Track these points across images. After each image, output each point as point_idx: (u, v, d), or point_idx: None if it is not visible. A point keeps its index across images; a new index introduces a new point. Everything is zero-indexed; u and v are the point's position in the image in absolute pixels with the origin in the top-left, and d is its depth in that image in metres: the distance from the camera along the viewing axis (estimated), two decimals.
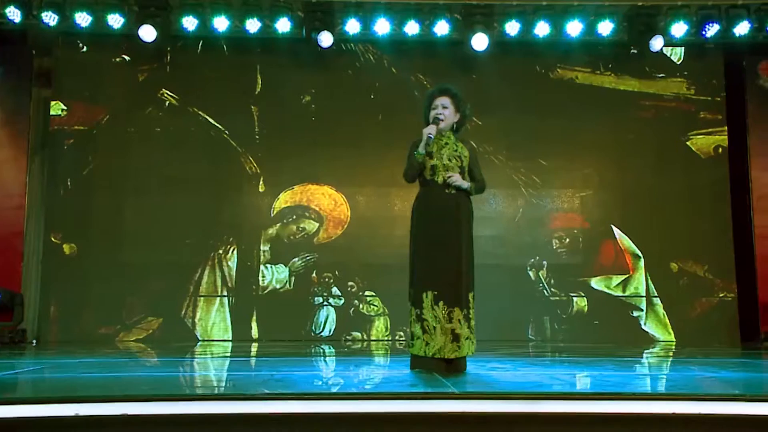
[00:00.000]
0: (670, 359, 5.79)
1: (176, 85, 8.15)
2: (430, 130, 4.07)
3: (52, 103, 8.02)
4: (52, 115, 8.00)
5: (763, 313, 7.87)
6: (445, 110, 4.20)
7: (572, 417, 2.79)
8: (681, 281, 8.08)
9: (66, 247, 7.82)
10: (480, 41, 7.75)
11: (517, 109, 8.27)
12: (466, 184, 4.15)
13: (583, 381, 3.86)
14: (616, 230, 8.15)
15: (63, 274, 7.77)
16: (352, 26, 7.75)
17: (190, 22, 7.65)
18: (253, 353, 6.18)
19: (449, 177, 4.09)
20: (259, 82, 8.23)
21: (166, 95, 8.16)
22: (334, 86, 8.26)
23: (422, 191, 4.22)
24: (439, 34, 7.82)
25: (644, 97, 8.34)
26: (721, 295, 8.06)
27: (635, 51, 8.05)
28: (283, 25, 7.68)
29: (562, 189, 8.20)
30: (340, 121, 8.15)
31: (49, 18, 7.48)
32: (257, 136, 8.13)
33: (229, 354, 6.03)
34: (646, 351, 6.40)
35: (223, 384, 3.85)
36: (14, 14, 7.43)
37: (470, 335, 4.08)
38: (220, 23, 7.66)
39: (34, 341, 7.63)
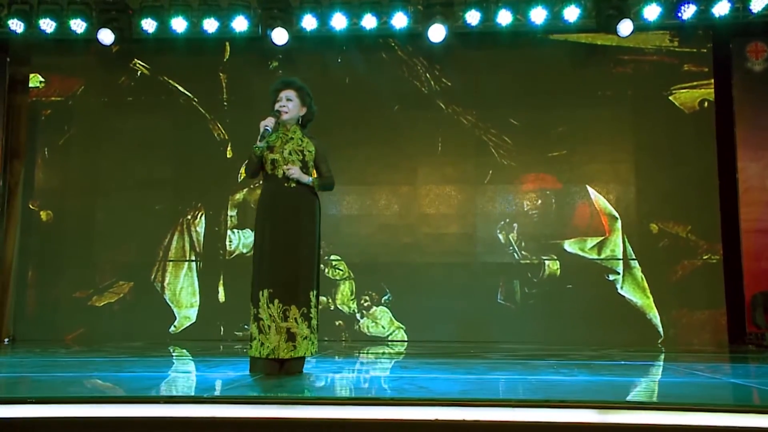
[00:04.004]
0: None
1: (148, 56, 8.28)
2: (267, 122, 3.96)
3: (31, 75, 8.29)
4: (31, 87, 8.27)
5: (750, 314, 7.39)
6: (289, 103, 4.12)
7: (324, 422, 2.73)
8: (661, 243, 7.69)
9: (43, 214, 8.09)
10: (437, 32, 7.56)
11: (486, 67, 8.04)
12: (306, 178, 4.06)
13: (393, 385, 3.66)
14: (591, 190, 7.81)
15: (40, 240, 8.04)
16: (309, 22, 7.68)
17: (149, 24, 7.74)
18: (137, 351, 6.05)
19: (288, 170, 4.00)
20: (228, 50, 8.26)
21: (138, 65, 8.30)
22: (302, 51, 8.18)
23: (264, 186, 4.14)
24: (397, 27, 7.68)
25: (623, 52, 7.93)
26: (705, 257, 7.62)
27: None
28: (241, 23, 7.69)
29: (534, 149, 7.89)
30: (309, 77, 8.07)
31: (16, 26, 7.67)
32: (225, 103, 8.18)
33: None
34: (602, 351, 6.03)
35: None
36: None
37: (310, 335, 3.94)
38: (179, 24, 7.73)
39: (6, 340, 7.79)
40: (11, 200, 8.18)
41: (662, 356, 5.85)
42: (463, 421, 2.68)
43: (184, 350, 6.27)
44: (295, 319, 3.88)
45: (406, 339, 7.69)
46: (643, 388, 3.57)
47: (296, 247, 3.97)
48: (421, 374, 4.15)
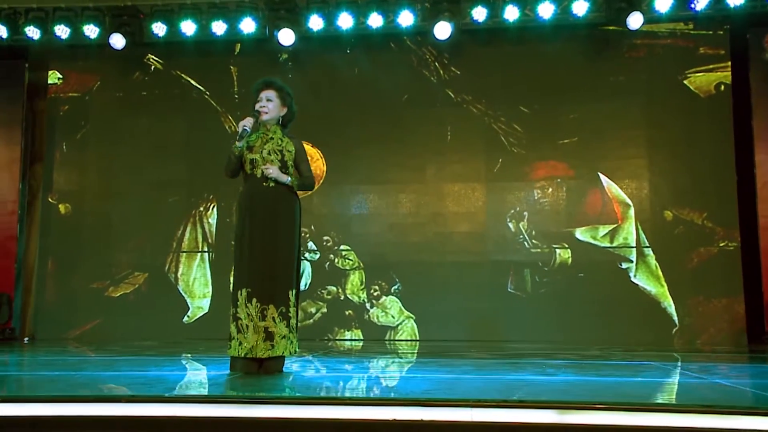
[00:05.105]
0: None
1: (161, 50, 8.40)
2: (246, 123, 3.97)
3: (50, 72, 8.51)
4: (50, 84, 8.49)
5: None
6: (269, 103, 4.11)
7: (275, 422, 2.74)
8: (676, 230, 7.52)
9: (61, 207, 8.30)
10: (443, 30, 7.53)
11: (494, 53, 7.97)
12: (285, 178, 4.04)
13: (362, 384, 3.66)
14: (603, 178, 7.67)
15: (59, 233, 8.25)
16: (315, 22, 7.72)
17: (159, 28, 7.87)
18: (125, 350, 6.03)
19: (266, 169, 3.99)
20: (237, 51, 8.33)
21: (152, 60, 8.44)
22: (309, 51, 8.18)
23: (244, 186, 4.13)
24: (404, 25, 7.69)
25: (636, 36, 7.73)
26: (721, 244, 7.42)
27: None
28: (248, 25, 7.77)
29: (545, 136, 7.78)
30: (317, 77, 8.16)
31: (32, 32, 7.87)
32: (236, 96, 8.26)
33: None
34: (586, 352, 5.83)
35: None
36: (1, 31, 7.89)
37: (288, 334, 3.93)
38: (188, 27, 7.84)
39: (27, 339, 8.00)
40: (33, 202, 8.41)
41: (665, 355, 5.62)
42: (421, 421, 2.66)
43: (187, 348, 6.28)
44: (273, 318, 3.88)
45: (417, 338, 7.67)
46: (617, 388, 3.44)
47: (274, 247, 3.95)
48: (398, 374, 4.13)
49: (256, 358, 3.88)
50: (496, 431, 2.66)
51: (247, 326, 3.87)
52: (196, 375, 4.06)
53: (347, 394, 3.20)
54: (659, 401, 2.94)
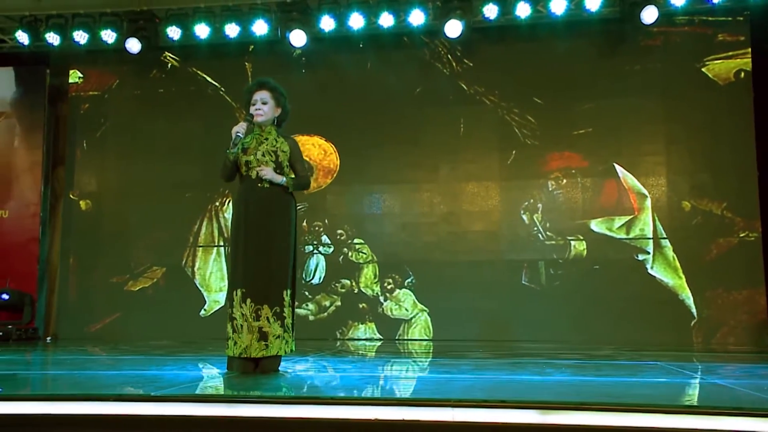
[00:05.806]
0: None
1: (176, 53, 8.52)
2: (239, 129, 3.97)
3: (71, 71, 8.69)
4: (70, 83, 8.68)
5: None
6: (264, 106, 4.11)
7: (252, 420, 2.74)
8: (694, 221, 7.37)
9: (82, 204, 8.47)
10: (453, 28, 7.51)
11: (507, 44, 7.90)
12: (279, 179, 4.04)
13: (348, 384, 3.64)
14: (619, 168, 7.55)
15: (79, 229, 8.44)
16: (327, 23, 7.75)
17: (174, 32, 8.00)
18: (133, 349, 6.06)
19: (260, 170, 4.00)
20: (252, 46, 8.39)
21: (168, 58, 8.57)
22: (320, 52, 8.20)
23: (240, 187, 4.14)
24: (414, 24, 7.69)
25: (652, 24, 7.57)
26: (741, 235, 7.25)
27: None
28: (261, 27, 7.85)
29: (559, 128, 7.69)
30: (329, 77, 8.19)
31: (53, 39, 8.08)
32: None
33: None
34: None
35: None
36: (23, 38, 8.11)
37: (282, 334, 3.95)
38: (202, 30, 7.94)
39: (49, 339, 8.17)
40: (56, 205, 8.61)
41: (676, 355, 5.46)
42: (403, 420, 2.65)
43: (198, 347, 6.27)
44: (267, 318, 3.90)
45: (430, 333, 7.65)
46: (610, 388, 3.36)
47: (269, 248, 3.98)
48: (392, 374, 4.11)
49: (252, 357, 3.91)
50: (477, 431, 2.64)
51: (241, 326, 3.90)
52: (193, 374, 4.06)
53: (331, 394, 3.18)
54: (641, 401, 2.86)
